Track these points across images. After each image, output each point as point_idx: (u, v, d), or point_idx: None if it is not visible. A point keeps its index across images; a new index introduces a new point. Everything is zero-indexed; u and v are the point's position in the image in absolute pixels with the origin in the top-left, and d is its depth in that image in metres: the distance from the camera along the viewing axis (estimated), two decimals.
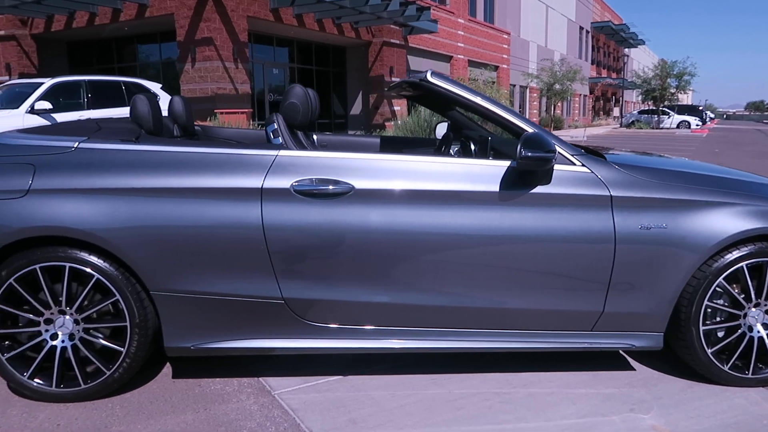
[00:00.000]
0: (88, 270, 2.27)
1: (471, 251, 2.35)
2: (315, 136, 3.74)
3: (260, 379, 2.60)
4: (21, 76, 16.20)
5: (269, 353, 2.41)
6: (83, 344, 2.36)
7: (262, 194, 2.30)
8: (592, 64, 49.23)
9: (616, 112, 55.82)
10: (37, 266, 2.26)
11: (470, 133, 3.47)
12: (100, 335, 2.39)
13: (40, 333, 2.35)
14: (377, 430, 2.21)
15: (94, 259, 2.27)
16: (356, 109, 21.20)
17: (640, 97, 44.71)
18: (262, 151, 2.37)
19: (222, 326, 2.36)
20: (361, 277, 2.35)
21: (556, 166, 2.41)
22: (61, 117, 8.90)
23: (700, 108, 43.67)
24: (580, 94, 43.10)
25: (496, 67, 29.41)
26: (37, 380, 2.36)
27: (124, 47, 18.19)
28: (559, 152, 2.43)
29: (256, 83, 17.17)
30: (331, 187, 2.32)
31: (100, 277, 2.28)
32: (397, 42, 20.43)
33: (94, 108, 9.42)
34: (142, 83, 10.36)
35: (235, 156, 2.34)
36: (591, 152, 2.64)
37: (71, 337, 2.36)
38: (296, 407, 2.36)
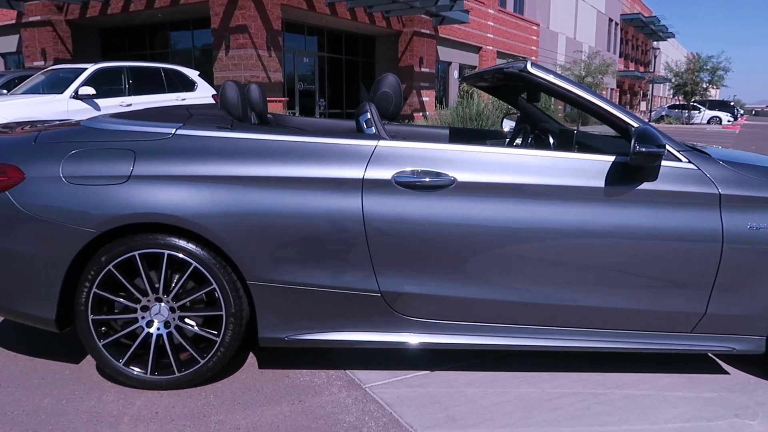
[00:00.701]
0: (186, 258, 2.25)
1: (573, 248, 2.29)
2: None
3: (347, 371, 2.57)
4: (56, 61, 16.36)
5: (361, 346, 2.38)
6: (178, 332, 2.34)
7: (363, 185, 2.25)
8: (621, 57, 48.48)
9: (643, 106, 54.94)
10: (136, 253, 2.25)
11: (548, 126, 3.39)
12: (194, 324, 2.37)
13: (136, 320, 2.34)
14: (477, 428, 2.16)
15: (192, 247, 2.25)
16: None
17: (670, 92, 43.90)
18: (362, 141, 2.32)
19: (317, 318, 2.33)
20: (459, 271, 2.31)
21: (663, 162, 2.34)
22: (103, 102, 8.96)
23: (731, 103, 42.74)
24: (608, 88, 42.51)
25: (525, 59, 29.02)
26: (132, 367, 2.35)
27: (157, 34, 18.27)
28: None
29: (286, 71, 17.15)
30: (432, 179, 2.27)
31: (198, 266, 2.26)
32: (428, 32, 20.25)
33: (134, 94, 9.46)
34: (181, 70, 10.38)
35: (335, 146, 2.30)
36: (693, 148, 2.56)
37: (166, 324, 2.34)
38: (390, 402, 2.32)
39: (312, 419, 2.19)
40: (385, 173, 2.27)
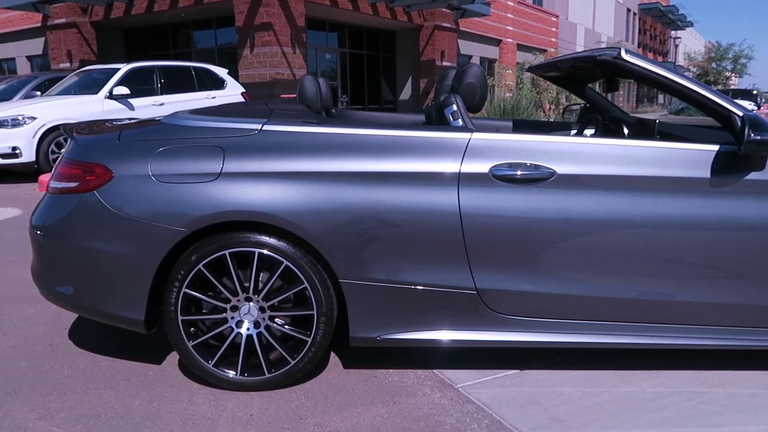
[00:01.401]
0: (278, 256, 2.20)
1: (677, 242, 2.20)
2: None
3: (435, 371, 2.50)
4: (81, 63, 16.49)
5: (455, 346, 2.31)
6: (268, 332, 2.29)
7: (459, 179, 2.18)
8: (639, 47, 47.81)
9: (660, 98, 54.17)
10: (226, 252, 2.20)
11: (619, 116, 3.29)
12: (284, 323, 2.32)
13: (226, 320, 2.29)
14: (584, 429, 2.08)
15: (283, 245, 2.19)
16: (405, 94, 20.99)
17: None
18: (456, 133, 2.25)
19: (409, 317, 2.27)
20: (559, 267, 2.22)
21: None
22: (136, 102, 8.98)
23: (754, 92, 41.99)
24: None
25: (544, 51, 28.75)
26: (221, 368, 2.30)
27: (179, 33, 18.33)
28: None
29: (309, 68, 17.11)
30: (531, 171, 2.18)
31: (289, 264, 2.20)
32: (449, 26, 20.09)
33: (166, 93, 9.47)
34: (211, 69, 10.37)
35: (428, 139, 2.23)
36: None
37: (256, 324, 2.29)
38: (488, 402, 2.25)
39: (412, 421, 2.12)
40: (482, 166, 2.19)
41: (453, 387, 2.37)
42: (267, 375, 2.29)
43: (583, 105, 3.72)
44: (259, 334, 2.29)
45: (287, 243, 2.20)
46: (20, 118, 7.81)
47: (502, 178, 2.19)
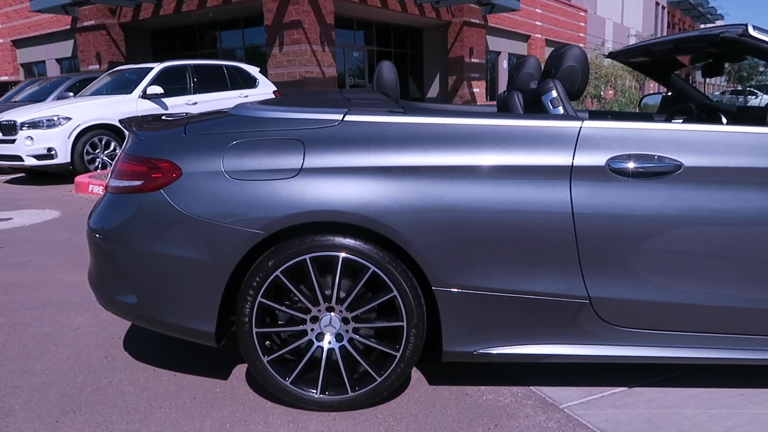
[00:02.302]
0: (364, 261, 1.95)
1: None
2: None
3: (532, 388, 2.24)
4: (110, 64, 16.51)
5: (561, 361, 2.04)
6: (351, 346, 2.05)
7: (571, 173, 1.91)
8: None
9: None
10: (307, 256, 1.96)
11: (720, 106, 2.99)
12: (370, 336, 2.08)
13: (305, 332, 2.05)
14: None
15: (370, 249, 1.95)
16: (433, 91, 20.71)
17: (723, 78, 42.12)
18: (564, 122, 1.98)
19: (512, 329, 2.00)
20: (685, 272, 1.94)
21: None
22: (169, 101, 8.84)
23: None
24: None
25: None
26: (300, 386, 2.07)
27: (206, 33, 18.29)
28: None
29: (338, 66, 16.93)
30: (655, 164, 1.91)
31: (377, 270, 1.96)
32: (477, 21, 19.76)
33: (199, 92, 9.32)
34: (242, 67, 10.21)
35: (533, 129, 1.97)
36: None
37: (338, 337, 2.05)
38: (603, 427, 1.98)
39: None
40: (598, 158, 1.92)
41: (557, 407, 2.10)
42: (350, 393, 2.05)
43: (664, 94, 3.42)
44: (341, 348, 2.05)
45: (374, 246, 1.96)
46: (55, 118, 7.72)
47: (620, 171, 1.91)
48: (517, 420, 2.02)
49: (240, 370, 2.40)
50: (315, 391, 2.06)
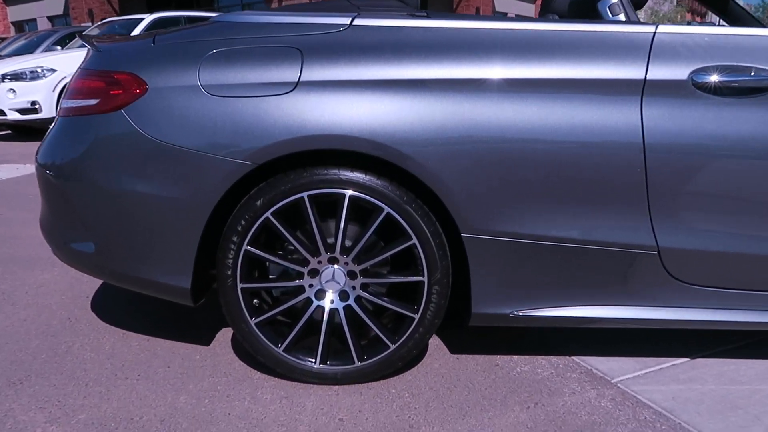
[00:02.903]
0: (376, 201, 1.55)
1: None
2: None
3: (574, 358, 1.86)
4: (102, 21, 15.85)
5: (619, 326, 1.66)
6: (360, 306, 1.66)
7: (643, 89, 1.50)
8: (678, 6, 45.62)
9: None
10: (304, 194, 1.56)
11: None
12: (382, 295, 1.69)
13: (302, 289, 1.66)
14: None
15: (384, 185, 1.55)
16: None
17: None
18: (632, 26, 1.55)
19: (557, 286, 1.61)
20: None
21: None
22: None
23: None
24: None
25: None
26: (295, 355, 1.69)
27: None
28: None
29: None
30: (752, 77, 1.49)
31: (393, 212, 1.56)
32: None
33: None
34: None
35: (593, 35, 1.54)
36: None
37: (343, 296, 1.66)
38: (668, 406, 1.61)
39: None
40: (678, 71, 1.50)
41: (609, 382, 1.73)
42: (357, 363, 1.68)
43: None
44: (347, 309, 1.66)
45: (390, 183, 1.55)
46: (39, 70, 7.23)
47: (706, 87, 1.50)
48: (561, 397, 1.65)
49: (225, 335, 2.03)
50: (314, 361, 1.68)
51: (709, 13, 46.85)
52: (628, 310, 1.64)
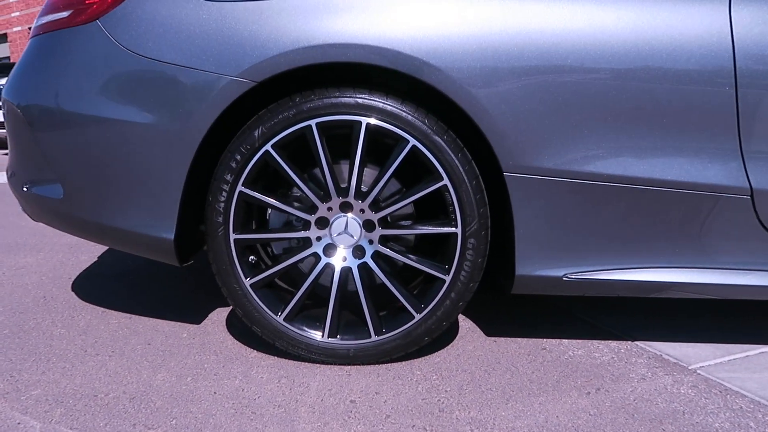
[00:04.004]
0: (400, 131, 1.26)
1: None
2: None
3: (638, 343, 1.53)
4: None
5: (697, 294, 1.33)
6: (378, 266, 1.35)
7: None
8: None
9: None
10: (312, 122, 1.28)
11: None
12: (405, 252, 1.39)
13: (309, 243, 1.37)
14: None
15: (410, 112, 1.26)
16: None
17: None
18: None
19: (624, 241, 1.30)
20: None
21: None
22: None
23: None
24: None
25: None
26: (299, 325, 1.38)
27: None
28: None
29: None
30: None
31: (419, 145, 1.27)
32: None
33: None
34: None
35: None
36: None
37: (358, 252, 1.36)
38: (765, 395, 1.26)
39: (649, 423, 1.15)
40: None
41: (686, 368, 1.39)
42: (374, 338, 1.36)
43: None
44: (362, 268, 1.36)
45: (416, 109, 1.27)
46: None
47: None
48: (629, 382, 1.31)
49: (220, 315, 1.73)
50: (320, 334, 1.37)
51: None
52: (711, 274, 1.32)
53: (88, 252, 2.43)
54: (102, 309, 1.78)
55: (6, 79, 6.63)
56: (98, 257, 2.34)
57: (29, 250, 2.49)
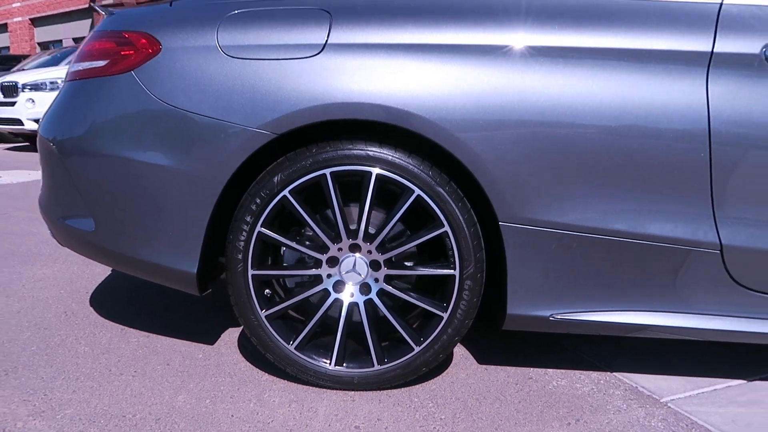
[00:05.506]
0: (406, 181, 1.40)
1: None
2: None
3: (616, 374, 1.67)
4: None
5: (671, 335, 1.47)
6: (382, 301, 1.49)
7: (709, 63, 1.35)
8: None
9: None
10: (327, 171, 1.41)
11: None
12: (408, 290, 1.52)
13: (320, 279, 1.50)
14: None
15: (415, 164, 1.40)
16: None
17: None
18: None
19: (605, 287, 1.44)
20: None
21: None
22: None
23: None
24: None
25: None
26: (308, 354, 1.51)
27: None
28: None
29: None
30: None
31: (423, 195, 1.40)
32: None
33: None
34: None
35: (655, 2, 1.40)
36: None
37: (364, 289, 1.50)
38: (728, 429, 1.41)
39: None
40: (749, 44, 1.35)
41: (658, 401, 1.53)
42: (377, 366, 1.50)
43: None
44: (368, 303, 1.50)
45: (421, 161, 1.40)
46: (59, 81, 7.25)
47: None
48: (605, 414, 1.45)
49: (231, 336, 1.86)
50: (328, 362, 1.51)
51: None
52: (682, 318, 1.46)
53: (102, 265, 2.55)
54: (121, 327, 1.91)
55: (5, 73, 6.65)
56: (112, 270, 2.47)
57: (45, 261, 2.61)
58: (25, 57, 13.71)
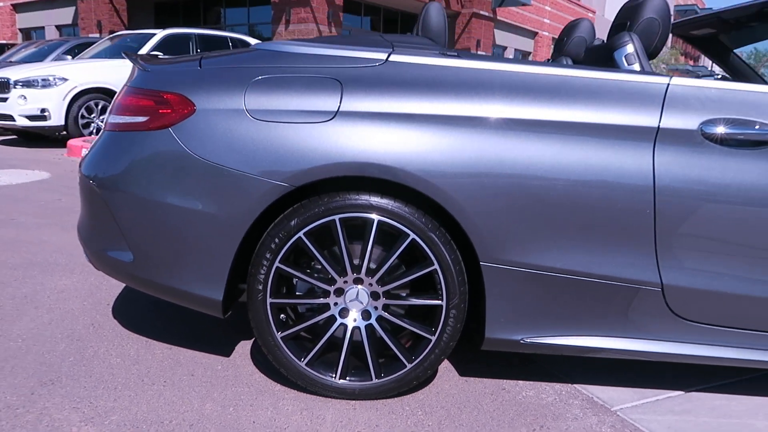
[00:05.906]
0: (403, 227, 1.67)
1: None
2: None
3: (576, 386, 1.97)
4: (111, 33, 16.06)
5: (620, 357, 1.77)
6: (380, 326, 1.77)
7: (656, 137, 1.63)
8: (672, 48, 46.71)
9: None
10: (336, 217, 1.67)
11: None
12: (402, 316, 1.80)
13: (328, 306, 1.77)
14: None
15: (411, 212, 1.67)
16: None
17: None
18: (648, 77, 1.70)
19: (566, 316, 1.73)
20: None
21: None
22: None
23: None
24: None
25: None
26: (317, 369, 1.78)
27: (211, 9, 17.86)
28: None
29: None
30: (756, 131, 1.63)
31: (417, 239, 1.67)
32: (486, 14, 19.45)
33: None
34: (247, 40, 9.86)
35: (611, 83, 1.68)
36: None
37: (365, 315, 1.77)
38: None
39: None
40: (689, 121, 1.64)
41: (609, 410, 1.83)
42: (374, 380, 1.77)
43: (716, 78, 3.14)
44: (368, 327, 1.77)
45: (416, 211, 1.67)
46: (51, 78, 7.36)
47: (714, 138, 1.64)
48: (564, 421, 1.75)
49: (243, 348, 2.12)
50: (334, 376, 1.78)
51: (702, 57, 47.83)
52: (630, 342, 1.76)
53: None
54: (145, 339, 2.16)
55: None
56: None
57: (62, 271, 2.84)
58: (9, 46, 13.63)
